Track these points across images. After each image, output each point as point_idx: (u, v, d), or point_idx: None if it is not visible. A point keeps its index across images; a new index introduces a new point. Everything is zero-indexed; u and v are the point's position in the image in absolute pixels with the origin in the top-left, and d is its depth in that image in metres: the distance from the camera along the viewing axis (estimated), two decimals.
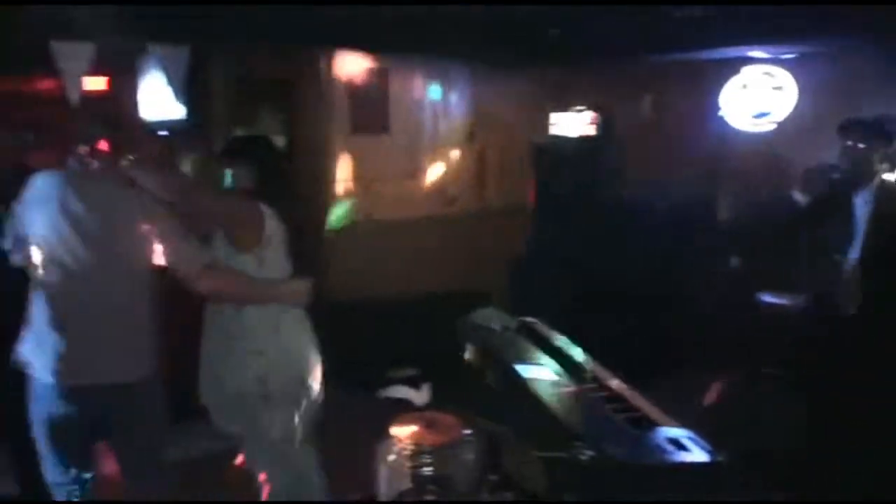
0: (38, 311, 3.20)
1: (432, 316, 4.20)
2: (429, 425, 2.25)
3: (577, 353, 3.46)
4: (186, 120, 6.52)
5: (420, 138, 7.27)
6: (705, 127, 6.81)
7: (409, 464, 2.13)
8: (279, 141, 6.91)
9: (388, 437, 2.19)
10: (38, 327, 3.19)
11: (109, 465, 3.48)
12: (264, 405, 3.42)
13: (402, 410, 2.36)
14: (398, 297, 6.44)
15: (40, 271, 3.20)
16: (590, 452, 2.37)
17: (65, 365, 3.13)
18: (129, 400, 3.25)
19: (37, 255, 3.21)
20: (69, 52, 5.36)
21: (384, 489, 2.26)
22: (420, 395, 2.89)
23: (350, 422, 5.11)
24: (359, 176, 6.97)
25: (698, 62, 6.71)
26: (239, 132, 6.78)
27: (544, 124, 7.61)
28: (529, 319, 3.86)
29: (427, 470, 2.14)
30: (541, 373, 3.13)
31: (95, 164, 3.21)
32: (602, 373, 3.22)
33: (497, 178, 7.69)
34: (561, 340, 3.63)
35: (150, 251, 3.30)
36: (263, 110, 7.07)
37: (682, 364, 5.53)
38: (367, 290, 6.51)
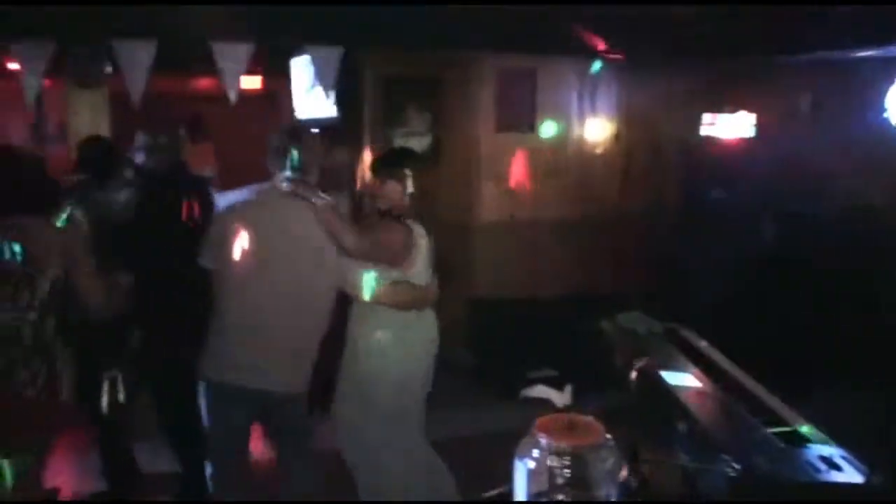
0: (223, 317, 3.49)
1: (576, 317, 4.17)
2: (569, 427, 2.21)
3: (725, 362, 3.35)
4: (336, 119, 6.68)
5: (566, 138, 7.21)
6: (867, 128, 6.45)
7: (547, 464, 2.11)
8: (425, 140, 7.01)
9: (528, 436, 2.17)
10: (222, 333, 3.48)
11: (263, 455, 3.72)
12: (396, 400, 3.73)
13: (543, 410, 2.35)
14: (541, 298, 6.41)
15: (230, 282, 3.47)
16: (735, 465, 2.29)
17: (243, 371, 3.43)
18: (289, 406, 3.63)
19: (227, 266, 3.47)
20: (228, 53, 5.58)
21: (520, 489, 2.24)
22: (561, 397, 2.86)
23: (489, 419, 5.13)
24: (503, 175, 6.97)
25: (859, 60, 6.37)
26: (387, 132, 6.91)
27: (695, 125, 7.41)
28: (676, 325, 3.77)
29: (565, 472, 2.11)
30: (686, 380, 3.05)
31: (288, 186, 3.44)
32: (750, 383, 3.11)
33: (644, 179, 7.52)
34: (708, 348, 3.53)
35: (331, 271, 3.58)
36: (411, 109, 7.17)
37: (837, 378, 5.26)
38: (510, 289, 6.51)
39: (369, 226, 3.74)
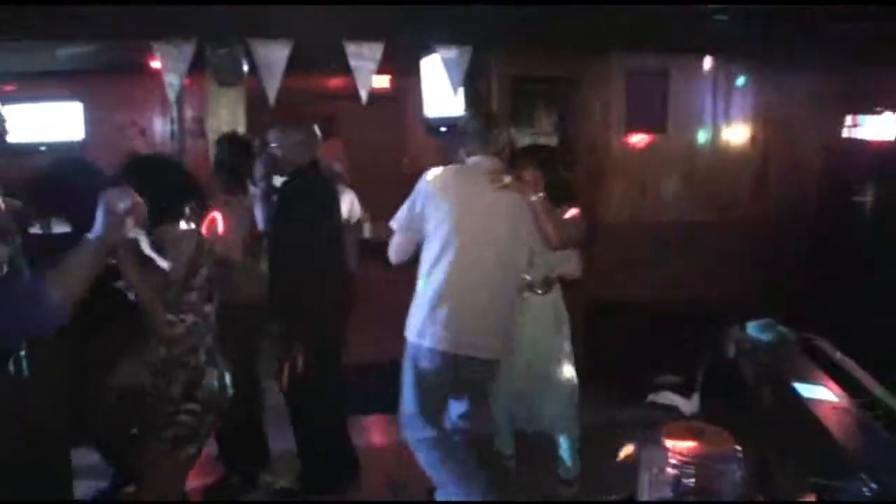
0: (431, 287, 3.67)
1: (705, 323, 4.06)
2: (697, 436, 2.16)
3: (862, 375, 3.21)
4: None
5: (699, 140, 7.03)
6: None
7: (672, 472, 2.07)
8: (552, 140, 6.96)
9: (654, 442, 2.13)
10: (431, 302, 3.66)
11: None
12: None
13: (669, 417, 2.30)
14: (670, 302, 6.27)
15: (435, 253, 3.67)
16: (872, 485, 2.19)
17: (450, 336, 3.63)
18: (488, 373, 3.88)
19: (434, 238, 3.68)
20: (360, 52, 5.68)
21: (644, 494, 2.21)
22: (689, 404, 2.80)
23: (614, 422, 5.06)
24: (632, 176, 6.86)
25: None
26: (515, 131, 6.90)
27: (837, 127, 7.12)
28: (810, 334, 3.64)
29: (690, 481, 2.07)
30: (820, 392, 2.94)
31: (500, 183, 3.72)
32: (888, 398, 2.97)
33: (780, 183, 7.25)
34: (844, 359, 3.39)
35: (521, 247, 3.82)
36: (538, 109, 7.13)
37: None
38: (638, 292, 6.40)
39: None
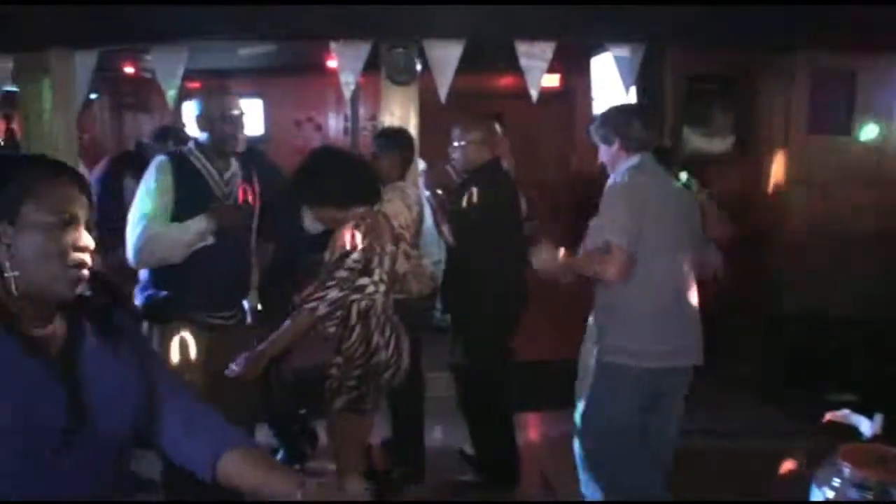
0: (635, 303, 3.56)
1: (887, 340, 3.82)
2: (878, 459, 2.03)
3: None
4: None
5: (888, 144, 6.60)
6: None
7: (848, 496, 1.95)
8: (727, 141, 6.74)
9: (829, 463, 2.02)
10: (636, 318, 3.55)
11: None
12: None
13: (848, 438, 2.17)
14: (850, 314, 5.92)
15: (641, 267, 3.53)
16: None
17: (657, 351, 3.54)
18: (685, 380, 3.71)
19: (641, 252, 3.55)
20: (531, 51, 5.67)
21: None
22: (870, 425, 2.63)
23: (788, 441, 4.87)
24: (813, 181, 6.52)
25: None
26: (687, 130, 6.73)
27: None
28: None
29: None
30: None
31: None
32: None
33: None
34: None
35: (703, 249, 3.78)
36: (712, 108, 6.92)
37: None
38: (816, 304, 6.08)
39: None
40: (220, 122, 3.57)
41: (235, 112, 3.62)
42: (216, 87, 4.51)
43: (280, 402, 4.73)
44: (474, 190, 4.37)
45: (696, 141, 6.77)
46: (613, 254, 3.44)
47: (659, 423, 3.76)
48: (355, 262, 3.39)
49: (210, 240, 3.53)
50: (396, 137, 4.67)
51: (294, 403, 4.87)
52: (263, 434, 4.66)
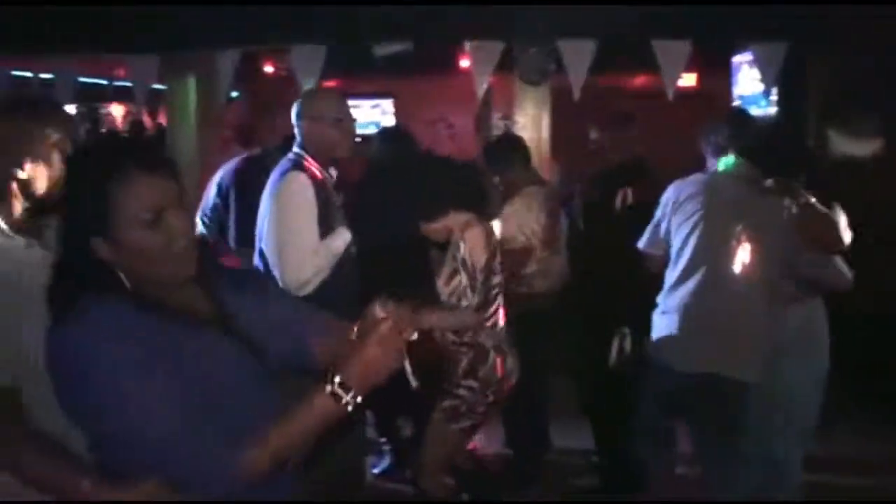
0: (673, 300, 3.46)
1: None
2: None
3: None
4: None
5: None
6: None
7: None
8: (873, 144, 6.43)
9: None
10: (672, 316, 3.45)
11: None
12: None
13: None
14: None
15: (681, 265, 3.45)
16: None
17: (691, 352, 3.37)
18: (737, 399, 3.40)
19: (677, 250, 3.48)
20: (668, 49, 5.55)
21: None
22: None
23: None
24: None
25: None
26: (833, 133, 6.45)
27: None
28: None
29: None
30: None
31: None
32: None
33: None
34: None
35: (775, 256, 3.40)
36: (860, 108, 6.60)
37: None
38: None
39: None
40: (329, 126, 3.45)
41: (345, 115, 3.50)
42: (325, 89, 4.49)
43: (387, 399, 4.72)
44: (629, 191, 4.30)
45: (841, 143, 6.48)
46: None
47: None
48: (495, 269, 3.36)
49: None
50: (510, 146, 4.67)
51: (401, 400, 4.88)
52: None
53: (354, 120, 3.57)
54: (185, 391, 1.55)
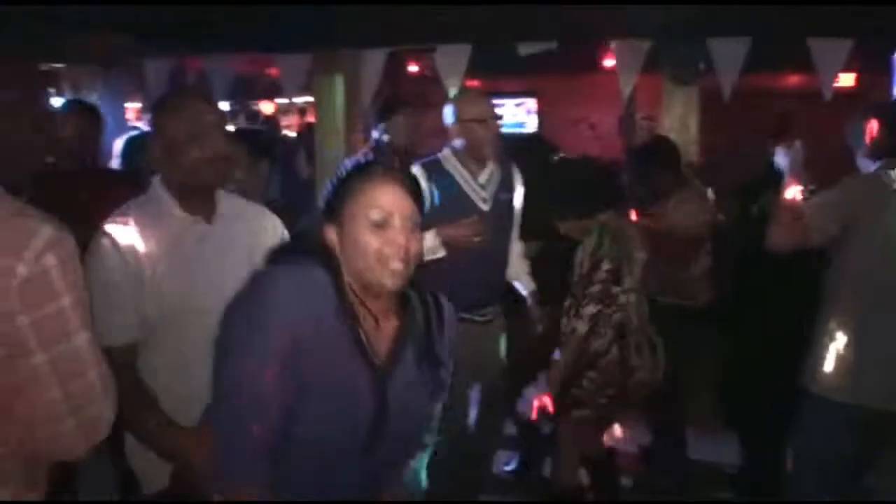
0: (841, 332, 3.12)
1: None
2: None
3: None
4: None
5: None
6: None
7: None
8: None
9: None
10: (841, 348, 3.10)
11: None
12: None
13: None
14: None
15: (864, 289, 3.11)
16: None
17: (868, 387, 3.04)
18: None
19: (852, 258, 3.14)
20: (824, 49, 5.33)
21: None
22: None
23: None
24: None
25: None
26: None
27: None
28: None
29: None
30: None
31: None
32: None
33: None
34: None
35: None
36: None
37: None
38: None
39: None
40: (475, 126, 3.56)
41: (490, 116, 3.60)
42: (472, 91, 4.56)
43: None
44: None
45: None
46: None
47: None
48: (607, 272, 3.31)
49: (441, 253, 3.43)
50: (661, 148, 4.57)
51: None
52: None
53: (501, 120, 3.72)
54: (297, 400, 1.63)
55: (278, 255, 1.81)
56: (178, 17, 5.19)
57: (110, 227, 2.16)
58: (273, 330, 1.60)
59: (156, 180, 2.28)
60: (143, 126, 6.80)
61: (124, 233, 2.15)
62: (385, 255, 1.68)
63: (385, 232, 1.69)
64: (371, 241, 1.69)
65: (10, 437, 1.51)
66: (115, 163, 4.81)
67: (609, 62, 7.01)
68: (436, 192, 3.53)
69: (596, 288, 3.29)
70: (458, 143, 3.61)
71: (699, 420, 4.62)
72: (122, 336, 2.12)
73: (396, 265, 1.69)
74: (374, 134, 4.62)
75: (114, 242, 2.13)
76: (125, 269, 2.12)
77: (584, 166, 3.74)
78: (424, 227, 3.43)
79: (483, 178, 3.65)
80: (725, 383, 4.48)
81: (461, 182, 3.61)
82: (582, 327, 3.28)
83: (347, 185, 1.74)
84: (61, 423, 1.48)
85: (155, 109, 2.29)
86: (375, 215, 1.69)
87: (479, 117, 3.56)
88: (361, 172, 1.75)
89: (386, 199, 1.71)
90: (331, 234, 1.74)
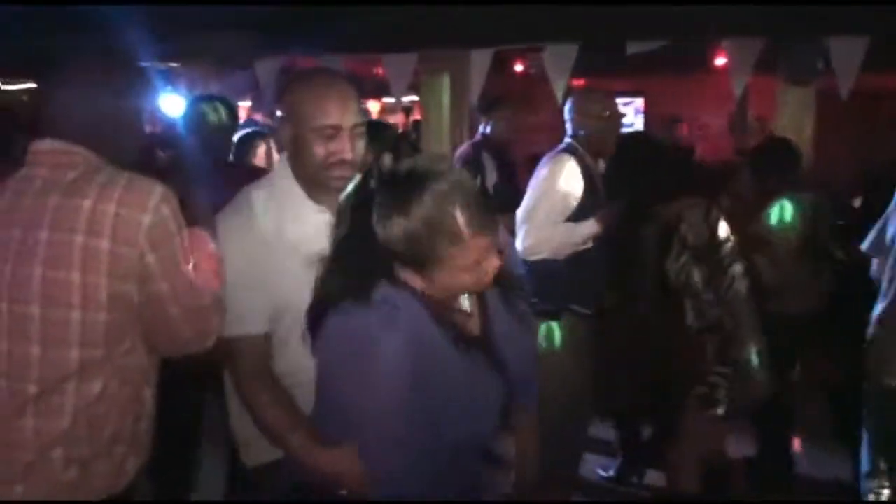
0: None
1: None
2: None
3: None
4: None
5: None
6: None
7: None
8: None
9: None
10: None
11: None
12: None
13: None
14: None
15: None
16: None
17: None
18: None
19: None
20: None
21: None
22: None
23: None
24: None
25: None
26: None
27: None
28: None
29: None
30: None
31: None
32: None
33: None
34: None
35: None
36: None
37: None
38: None
39: None
40: (597, 121, 3.68)
41: (612, 112, 3.74)
42: (594, 87, 4.60)
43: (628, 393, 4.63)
44: None
45: None
46: None
47: None
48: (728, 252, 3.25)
49: (591, 243, 3.63)
50: (780, 148, 4.45)
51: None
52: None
53: (622, 117, 3.88)
54: (429, 410, 1.66)
55: (356, 290, 1.73)
56: (289, 17, 5.30)
57: (244, 212, 2.14)
58: (391, 381, 1.65)
59: (282, 167, 2.23)
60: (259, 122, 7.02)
61: (257, 218, 2.14)
62: (480, 283, 1.74)
63: (477, 270, 1.71)
64: (466, 279, 1.70)
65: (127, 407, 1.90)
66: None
67: (720, 61, 6.89)
68: (562, 185, 3.64)
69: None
70: (579, 135, 3.73)
71: (808, 432, 4.49)
72: (253, 325, 2.11)
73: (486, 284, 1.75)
74: (480, 130, 4.73)
75: (248, 227, 2.12)
76: (257, 256, 2.09)
77: (677, 153, 3.70)
78: (570, 217, 3.54)
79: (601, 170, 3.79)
80: (833, 395, 4.35)
81: (594, 176, 3.73)
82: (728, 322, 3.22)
83: (443, 231, 1.65)
84: (180, 332, 1.92)
85: (294, 101, 2.16)
86: (467, 259, 1.67)
87: (602, 113, 3.70)
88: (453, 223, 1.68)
89: (477, 247, 1.69)
90: (414, 280, 1.72)
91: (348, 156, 2.08)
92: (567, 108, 3.84)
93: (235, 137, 4.64)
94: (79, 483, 1.81)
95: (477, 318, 1.83)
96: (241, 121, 8.02)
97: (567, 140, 3.81)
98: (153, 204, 1.81)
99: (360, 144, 2.13)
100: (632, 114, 9.76)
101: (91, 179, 1.82)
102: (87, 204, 1.78)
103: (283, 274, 2.04)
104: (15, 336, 1.79)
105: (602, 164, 3.80)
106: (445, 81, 6.30)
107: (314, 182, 2.14)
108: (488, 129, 5.27)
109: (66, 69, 1.91)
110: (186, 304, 1.89)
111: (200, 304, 1.91)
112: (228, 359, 2.13)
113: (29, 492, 1.77)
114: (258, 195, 2.17)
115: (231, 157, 4.50)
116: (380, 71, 7.71)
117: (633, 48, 6.00)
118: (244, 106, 8.86)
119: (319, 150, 2.07)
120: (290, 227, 2.12)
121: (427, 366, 1.64)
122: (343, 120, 2.07)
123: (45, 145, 1.88)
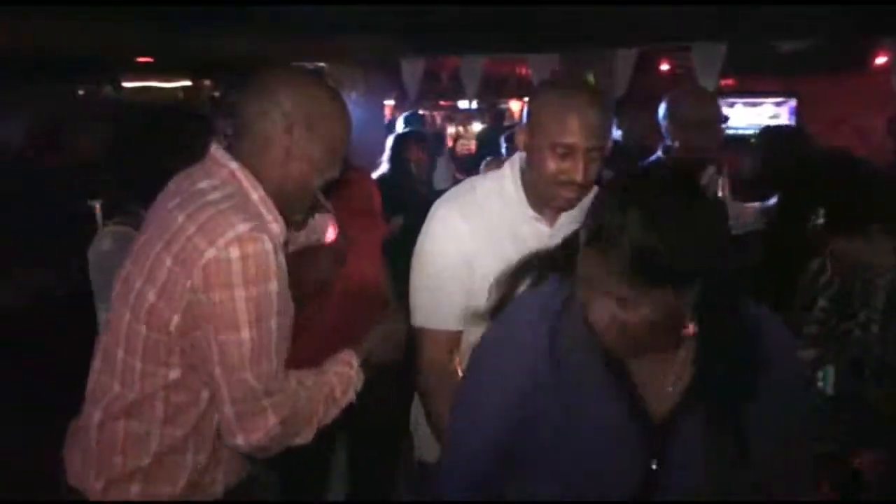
0: None
1: None
2: None
3: None
4: None
5: None
6: None
7: None
8: None
9: None
10: None
11: None
12: None
13: None
14: None
15: None
16: None
17: None
18: None
19: None
20: None
21: None
22: None
23: None
24: None
25: None
26: None
27: None
28: None
29: None
30: None
31: None
32: None
33: None
34: None
35: None
36: None
37: None
38: None
39: None
40: (694, 129, 3.08)
41: (710, 118, 3.13)
42: (693, 90, 3.92)
43: None
44: None
45: None
46: None
47: None
48: (822, 310, 2.99)
49: None
50: None
51: None
52: None
53: (724, 120, 3.24)
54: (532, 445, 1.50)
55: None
56: (434, 18, 5.38)
57: (455, 208, 2.08)
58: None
59: (514, 165, 2.11)
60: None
61: (467, 217, 2.06)
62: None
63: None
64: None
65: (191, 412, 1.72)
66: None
67: (881, 59, 6.59)
68: None
69: (812, 328, 2.93)
70: (673, 145, 3.13)
71: None
72: (445, 321, 2.05)
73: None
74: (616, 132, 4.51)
75: (454, 224, 2.06)
76: (462, 252, 2.03)
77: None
78: None
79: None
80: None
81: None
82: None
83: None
84: (222, 406, 1.65)
85: (537, 109, 2.02)
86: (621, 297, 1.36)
87: (699, 120, 3.08)
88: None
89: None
90: None
91: (578, 178, 1.92)
92: (660, 112, 3.19)
93: (390, 138, 4.67)
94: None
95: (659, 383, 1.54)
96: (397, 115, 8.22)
97: (659, 153, 3.26)
98: (224, 240, 1.58)
99: (594, 168, 1.95)
100: (785, 115, 9.47)
101: (205, 195, 1.68)
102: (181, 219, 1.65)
103: (486, 271, 1.89)
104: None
105: (709, 174, 3.14)
106: (589, 81, 6.26)
107: (536, 193, 2.04)
108: (622, 133, 4.77)
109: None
110: (229, 373, 1.65)
111: (242, 379, 1.65)
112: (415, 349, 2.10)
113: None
114: (483, 185, 2.12)
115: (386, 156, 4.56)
116: (523, 70, 7.74)
117: (784, 46, 5.85)
118: (388, 105, 9.04)
119: (550, 166, 1.94)
120: (504, 227, 2.04)
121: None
122: (581, 140, 1.91)
123: (218, 153, 1.76)
